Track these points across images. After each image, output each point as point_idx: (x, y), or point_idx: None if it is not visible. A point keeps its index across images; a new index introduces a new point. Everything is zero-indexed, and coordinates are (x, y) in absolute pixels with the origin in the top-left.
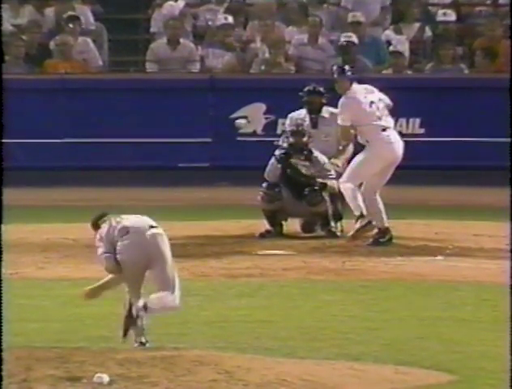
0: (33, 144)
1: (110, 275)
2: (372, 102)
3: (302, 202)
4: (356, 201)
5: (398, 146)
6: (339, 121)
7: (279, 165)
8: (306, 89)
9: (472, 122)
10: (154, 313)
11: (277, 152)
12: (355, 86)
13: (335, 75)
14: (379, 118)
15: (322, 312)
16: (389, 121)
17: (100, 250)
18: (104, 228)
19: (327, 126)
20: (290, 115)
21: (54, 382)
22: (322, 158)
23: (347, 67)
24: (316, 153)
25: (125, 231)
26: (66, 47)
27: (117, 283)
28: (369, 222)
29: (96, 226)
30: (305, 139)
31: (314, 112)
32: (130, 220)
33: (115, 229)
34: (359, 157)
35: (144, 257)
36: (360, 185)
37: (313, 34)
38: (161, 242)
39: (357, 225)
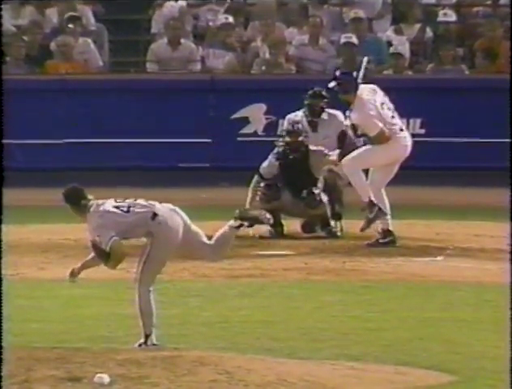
0: (34, 145)
1: (91, 256)
2: (382, 103)
3: (301, 202)
4: (364, 186)
5: (409, 146)
6: (372, 134)
7: (277, 162)
8: (311, 92)
9: (472, 123)
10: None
11: (275, 150)
12: (361, 89)
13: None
14: (393, 117)
15: (322, 312)
16: (399, 121)
17: (107, 235)
18: (99, 210)
19: (326, 127)
20: (287, 116)
21: (55, 382)
22: (319, 147)
23: (354, 74)
24: (311, 147)
25: (151, 213)
26: (66, 48)
27: (98, 263)
28: (380, 209)
29: (76, 205)
30: (300, 138)
31: (315, 115)
32: (139, 202)
33: (131, 215)
34: (370, 146)
35: (181, 228)
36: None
37: (314, 34)
38: (181, 212)
39: (370, 215)
